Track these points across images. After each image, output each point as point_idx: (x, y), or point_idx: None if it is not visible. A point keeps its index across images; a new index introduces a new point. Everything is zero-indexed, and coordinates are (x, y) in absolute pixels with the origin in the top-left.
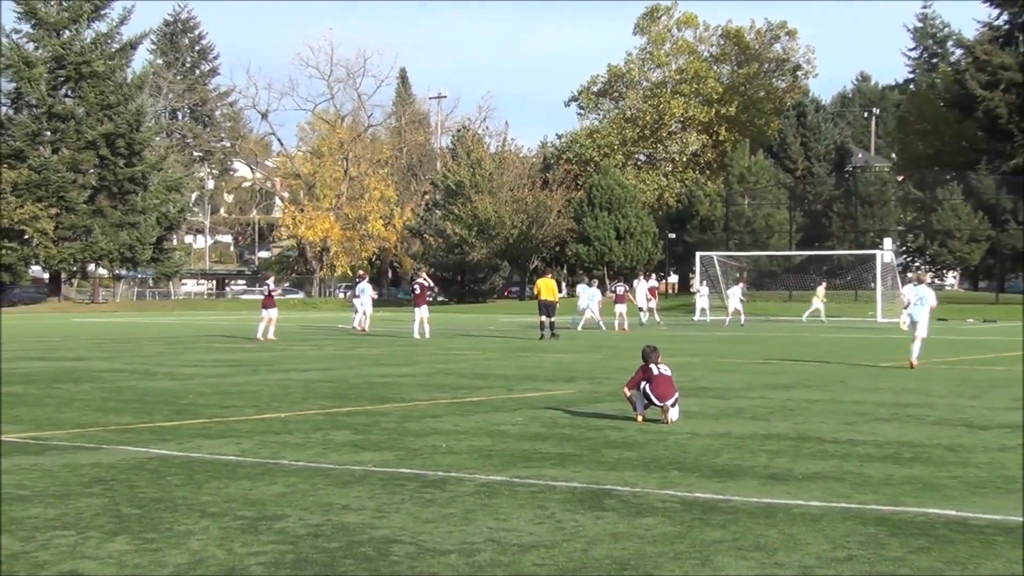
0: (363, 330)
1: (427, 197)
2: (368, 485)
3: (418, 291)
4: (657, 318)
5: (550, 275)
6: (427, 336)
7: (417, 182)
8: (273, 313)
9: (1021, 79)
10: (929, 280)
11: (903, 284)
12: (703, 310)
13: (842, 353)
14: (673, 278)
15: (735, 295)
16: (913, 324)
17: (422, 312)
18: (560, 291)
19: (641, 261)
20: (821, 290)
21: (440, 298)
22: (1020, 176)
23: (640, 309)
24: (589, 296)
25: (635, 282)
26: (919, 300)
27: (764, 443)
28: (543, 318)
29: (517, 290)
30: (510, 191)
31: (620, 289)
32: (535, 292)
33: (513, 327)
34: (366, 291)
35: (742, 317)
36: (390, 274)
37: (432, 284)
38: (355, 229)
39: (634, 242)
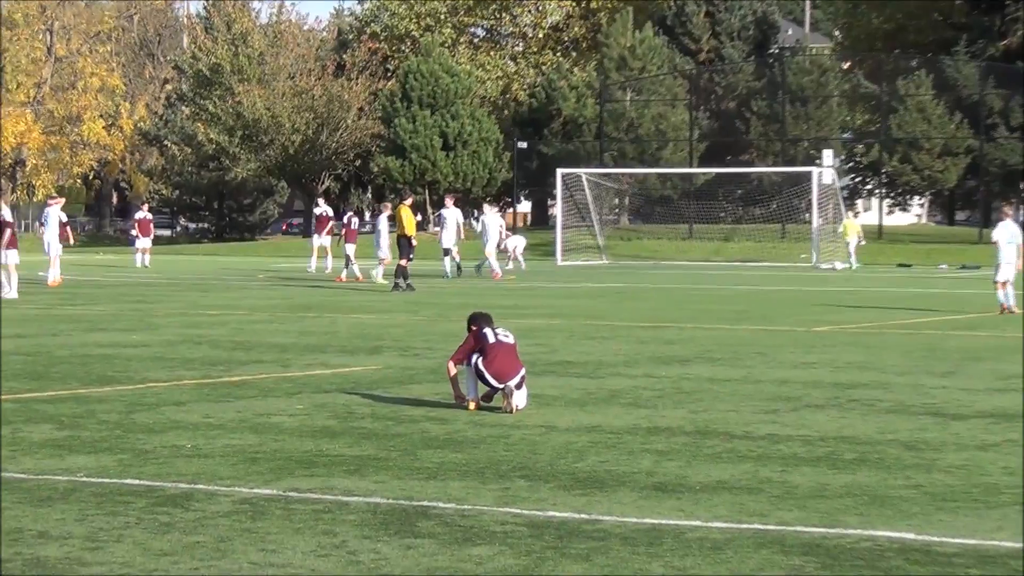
0: (55, 283)
1: (169, 88)
2: (77, 503)
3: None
4: (512, 264)
5: (410, 200)
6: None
7: (155, 66)
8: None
9: None
10: (1012, 212)
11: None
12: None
13: (762, 313)
14: (524, 206)
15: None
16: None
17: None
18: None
19: (479, 181)
20: (853, 223)
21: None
22: (1014, 63)
23: (504, 251)
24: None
25: (483, 214)
26: (1011, 238)
27: (648, 440)
28: (403, 261)
29: (300, 223)
30: (290, 80)
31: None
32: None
33: (294, 275)
34: (51, 221)
35: (522, 264)
36: (115, 199)
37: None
38: (63, 133)
39: (468, 154)
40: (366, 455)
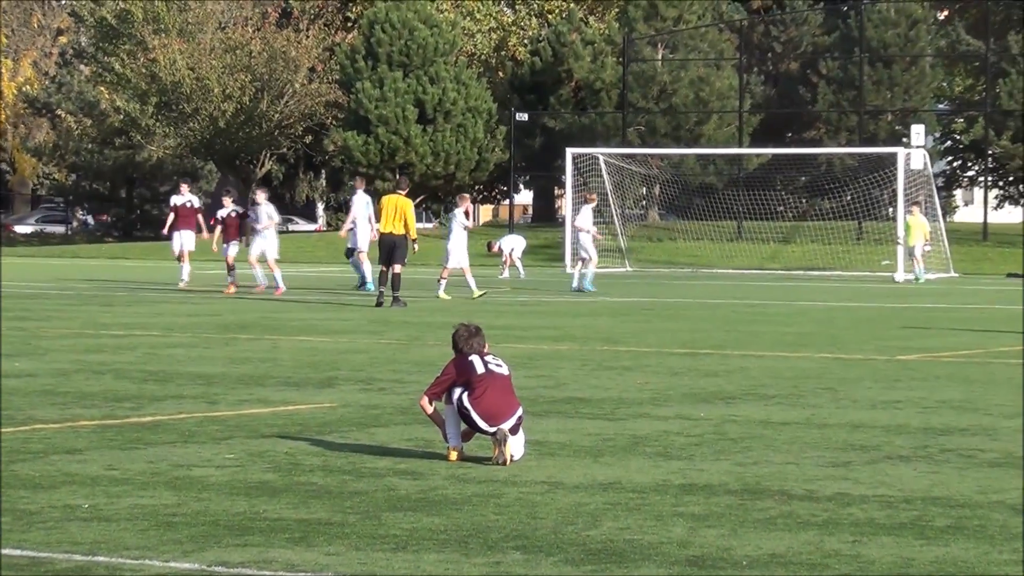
0: None
1: (63, 41)
2: None
3: None
4: (508, 272)
5: (404, 189)
6: None
7: (44, 12)
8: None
9: None
10: None
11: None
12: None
13: (832, 336)
14: (524, 197)
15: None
16: None
17: None
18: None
19: (465, 164)
20: (919, 218)
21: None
22: None
23: (583, 258)
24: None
25: (582, 210)
26: None
27: (682, 501)
28: (384, 266)
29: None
30: (220, 31)
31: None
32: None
33: (223, 285)
34: None
35: (520, 271)
36: None
37: None
38: None
39: (452, 128)
40: (315, 519)
